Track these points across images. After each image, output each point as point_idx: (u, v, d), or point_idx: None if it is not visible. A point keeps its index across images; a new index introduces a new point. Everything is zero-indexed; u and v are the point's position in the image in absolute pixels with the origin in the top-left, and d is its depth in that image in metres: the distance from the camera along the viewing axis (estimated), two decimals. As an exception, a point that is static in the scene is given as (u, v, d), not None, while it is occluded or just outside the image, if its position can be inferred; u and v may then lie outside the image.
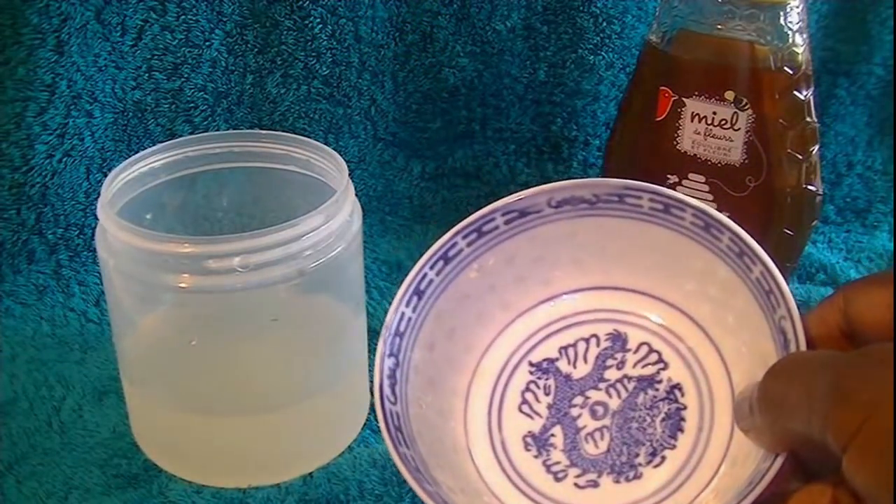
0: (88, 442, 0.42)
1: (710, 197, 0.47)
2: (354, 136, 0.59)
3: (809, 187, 0.46)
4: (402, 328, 0.34)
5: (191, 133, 0.54)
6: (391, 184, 0.61)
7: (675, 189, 0.48)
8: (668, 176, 0.48)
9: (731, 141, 0.45)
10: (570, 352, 0.37)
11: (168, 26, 0.52)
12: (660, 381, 0.36)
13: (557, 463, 0.34)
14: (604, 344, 0.37)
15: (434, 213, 0.60)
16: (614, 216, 0.37)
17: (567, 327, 0.38)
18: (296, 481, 0.39)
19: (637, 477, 0.33)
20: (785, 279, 0.50)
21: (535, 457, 0.34)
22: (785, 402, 0.26)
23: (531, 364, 0.37)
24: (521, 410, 0.36)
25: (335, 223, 0.36)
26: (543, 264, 0.38)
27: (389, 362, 0.33)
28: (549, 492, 0.33)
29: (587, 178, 0.38)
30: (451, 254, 0.36)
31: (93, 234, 0.39)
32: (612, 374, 0.36)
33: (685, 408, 0.35)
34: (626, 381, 0.36)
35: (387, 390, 0.32)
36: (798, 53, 0.44)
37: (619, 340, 0.37)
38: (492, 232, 0.37)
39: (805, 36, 0.44)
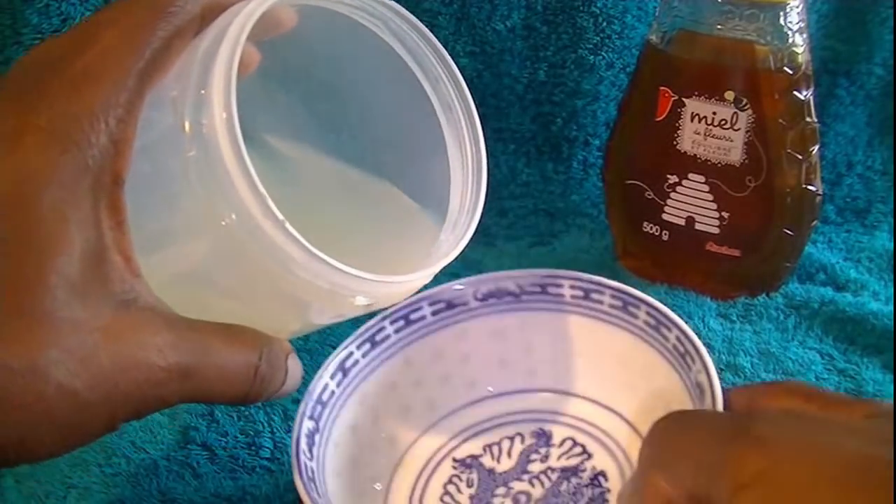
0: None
1: (710, 197, 0.47)
2: (354, 135, 0.59)
3: (809, 187, 0.46)
4: (324, 398, 0.34)
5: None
6: (391, 184, 0.61)
7: (675, 189, 0.48)
8: (668, 176, 0.48)
9: (731, 141, 0.45)
10: (495, 448, 0.38)
11: (168, 26, 0.52)
12: (584, 470, 0.36)
13: None
14: (528, 441, 0.38)
15: (434, 213, 0.60)
16: (538, 309, 0.38)
17: (492, 427, 0.38)
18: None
19: None
20: (785, 279, 0.51)
21: None
22: (672, 454, 0.26)
23: (455, 460, 0.37)
24: (442, 501, 0.36)
25: None
26: (470, 364, 0.39)
27: (309, 424, 0.33)
28: None
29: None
30: (378, 338, 0.37)
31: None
32: (535, 467, 0.37)
33: (609, 491, 0.35)
34: (549, 472, 0.36)
35: (303, 446, 0.32)
36: (798, 53, 0.44)
37: (543, 437, 0.38)
38: (419, 321, 0.38)
39: (805, 36, 0.44)
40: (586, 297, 0.37)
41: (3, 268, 0.24)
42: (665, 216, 0.50)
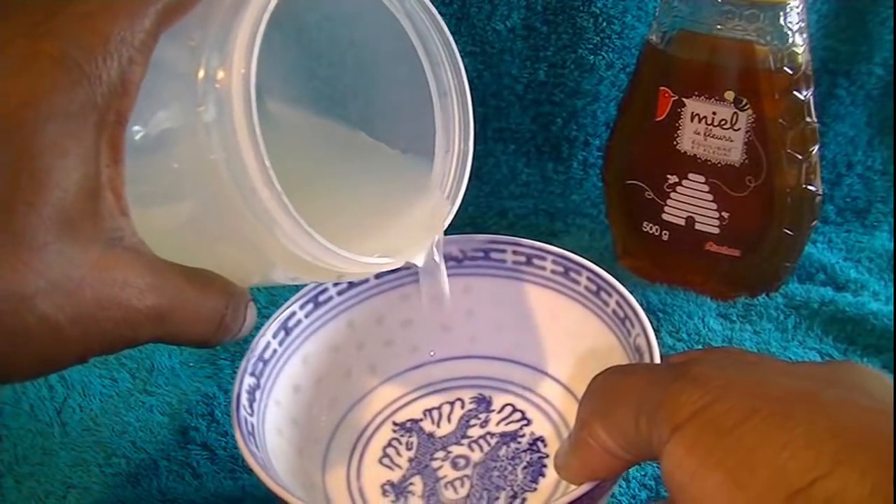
0: (88, 441, 0.42)
1: (710, 197, 0.47)
2: (354, 135, 0.59)
3: (809, 187, 0.46)
4: (266, 356, 0.34)
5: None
6: (391, 184, 0.61)
7: (675, 189, 0.48)
8: (668, 176, 0.48)
9: (731, 141, 0.45)
10: (435, 413, 0.38)
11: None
12: (522, 436, 0.36)
13: None
14: (468, 406, 0.38)
15: (434, 213, 0.60)
16: (481, 275, 0.38)
17: (433, 392, 0.39)
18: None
19: None
20: (785, 279, 0.51)
21: (393, 502, 0.34)
22: (612, 403, 0.26)
23: (395, 423, 0.38)
24: (381, 463, 0.36)
25: None
26: (411, 329, 0.39)
27: (250, 380, 0.33)
28: None
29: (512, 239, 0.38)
30: (321, 299, 0.37)
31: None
32: (475, 432, 0.37)
33: (547, 456, 0.35)
34: (488, 437, 0.37)
35: (244, 401, 0.32)
36: (798, 53, 0.44)
37: (483, 402, 0.38)
38: (362, 284, 0.38)
39: (805, 36, 0.44)
40: (528, 262, 0.37)
41: (1, 194, 0.23)
42: (665, 216, 0.50)
